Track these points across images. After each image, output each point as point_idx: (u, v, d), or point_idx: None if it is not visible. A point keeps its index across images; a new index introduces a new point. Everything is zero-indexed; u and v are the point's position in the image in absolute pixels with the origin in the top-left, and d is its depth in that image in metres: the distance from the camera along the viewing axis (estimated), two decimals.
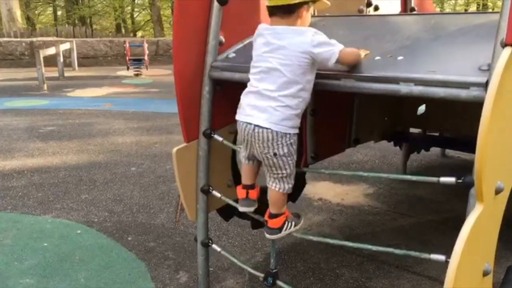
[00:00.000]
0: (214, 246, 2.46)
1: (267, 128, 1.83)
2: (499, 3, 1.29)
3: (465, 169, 1.55)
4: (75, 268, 2.78)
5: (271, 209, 2.00)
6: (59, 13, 30.09)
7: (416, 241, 3.14)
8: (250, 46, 2.50)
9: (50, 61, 11.56)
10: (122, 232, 3.28)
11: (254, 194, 2.10)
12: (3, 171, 4.60)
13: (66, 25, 23.58)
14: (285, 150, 1.86)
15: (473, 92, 1.57)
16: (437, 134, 4.14)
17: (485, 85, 1.52)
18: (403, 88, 1.73)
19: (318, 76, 1.94)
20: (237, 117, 1.96)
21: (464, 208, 1.53)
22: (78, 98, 8.99)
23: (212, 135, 2.36)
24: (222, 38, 2.37)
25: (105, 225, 3.40)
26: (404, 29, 2.25)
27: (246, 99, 1.94)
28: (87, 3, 28.11)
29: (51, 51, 11.39)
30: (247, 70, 2.24)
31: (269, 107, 1.83)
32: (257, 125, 1.84)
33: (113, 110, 7.77)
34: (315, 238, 2.31)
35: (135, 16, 30.42)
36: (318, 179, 4.31)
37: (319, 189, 4.11)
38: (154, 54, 14.98)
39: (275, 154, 1.86)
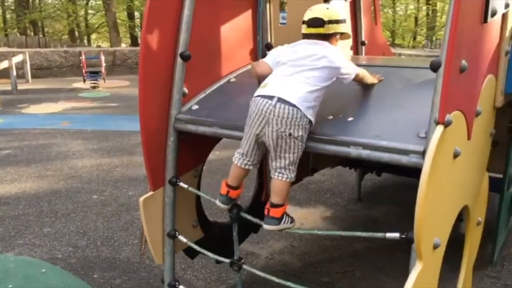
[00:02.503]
0: (181, 287, 2.58)
1: (290, 104, 1.94)
2: (447, 8, 1.46)
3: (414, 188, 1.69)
4: None
5: (274, 200, 2.05)
6: (8, 16, 28.98)
7: (370, 266, 3.37)
8: (212, 95, 2.65)
9: (1, 73, 11.21)
10: (87, 269, 3.32)
11: (235, 194, 2.20)
12: None
13: (18, 34, 22.77)
14: (300, 133, 1.97)
15: (413, 159, 1.78)
16: None
17: (423, 153, 1.73)
18: (353, 151, 1.92)
19: None
20: (257, 93, 2.06)
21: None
22: (33, 116, 8.79)
23: (178, 182, 2.48)
24: (185, 90, 2.50)
25: (70, 261, 3.43)
26: (352, 84, 2.43)
27: (273, 79, 2.08)
28: (39, 7, 27.28)
29: (4, 64, 11.04)
30: (210, 124, 2.39)
31: (297, 87, 2.00)
32: (281, 99, 1.95)
33: (71, 129, 7.66)
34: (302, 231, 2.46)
35: (89, 19, 29.71)
36: None
37: None
38: (111, 64, 14.76)
39: (290, 134, 1.96)
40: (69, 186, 5.02)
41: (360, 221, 4.16)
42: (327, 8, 2.19)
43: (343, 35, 2.24)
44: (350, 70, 2.13)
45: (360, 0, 4.00)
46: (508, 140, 3.02)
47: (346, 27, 2.25)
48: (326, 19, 2.14)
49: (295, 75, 2.04)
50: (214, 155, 5.72)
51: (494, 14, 1.87)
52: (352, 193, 4.82)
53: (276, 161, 2.03)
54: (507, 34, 2.19)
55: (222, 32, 2.73)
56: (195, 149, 2.65)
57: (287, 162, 2.01)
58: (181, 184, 2.47)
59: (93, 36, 32.06)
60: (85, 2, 28.55)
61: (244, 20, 2.89)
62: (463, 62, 1.68)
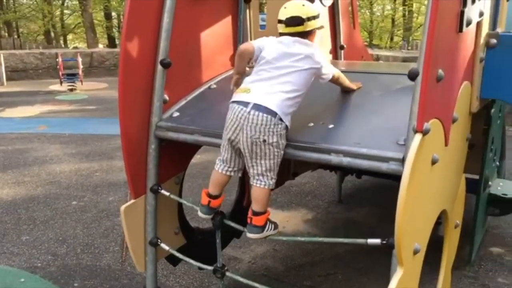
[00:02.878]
0: None
1: (265, 111, 1.94)
2: (423, 9, 1.50)
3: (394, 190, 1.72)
4: None
5: (255, 207, 2.05)
6: None
7: (352, 268, 3.40)
8: (193, 102, 2.65)
9: None
10: (67, 277, 3.27)
11: (216, 203, 2.19)
12: None
13: None
14: (275, 139, 1.97)
15: (392, 166, 1.81)
16: None
17: (402, 160, 1.76)
18: (334, 159, 1.95)
19: None
20: (234, 98, 2.05)
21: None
22: (9, 119, 8.60)
23: (159, 190, 2.47)
24: (166, 97, 2.49)
25: (49, 270, 3.37)
26: (332, 91, 2.46)
27: (251, 84, 2.06)
28: (13, 7, 26.71)
29: None
30: (192, 132, 2.38)
31: (276, 93, 1.99)
32: (257, 105, 1.95)
33: (48, 133, 7.53)
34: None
35: (65, 19, 29.22)
36: None
37: None
38: (88, 66, 14.55)
39: (264, 141, 1.96)
40: (48, 192, 4.93)
41: (341, 224, 4.20)
42: (303, 5, 2.15)
43: (319, 29, 2.24)
44: (329, 70, 2.16)
45: (338, 4, 4.05)
46: (484, 143, 3.11)
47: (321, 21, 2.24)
48: (304, 16, 2.11)
49: (274, 80, 2.03)
50: (195, 158, 5.63)
51: (469, 23, 1.92)
52: (333, 195, 4.86)
53: (253, 168, 2.03)
54: (481, 41, 2.25)
55: (202, 38, 2.73)
56: (176, 156, 2.64)
57: (263, 168, 2.01)
58: (163, 191, 2.46)
59: (70, 36, 31.56)
60: (60, 2, 28.09)
61: (224, 26, 2.90)
62: (440, 71, 1.73)
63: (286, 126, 2.00)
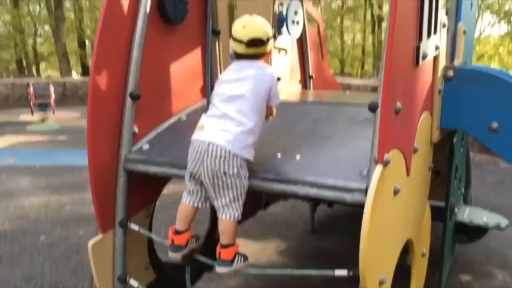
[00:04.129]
0: None
1: (221, 145, 1.94)
2: None
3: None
4: None
5: (223, 240, 2.03)
6: None
7: None
8: (163, 134, 2.66)
9: None
10: None
11: (181, 240, 2.12)
12: None
13: None
14: (235, 170, 1.96)
15: (356, 196, 1.85)
16: None
17: (365, 190, 1.80)
18: (300, 190, 1.98)
19: None
20: (194, 137, 2.06)
21: None
22: None
23: (129, 224, 2.44)
24: (135, 129, 2.49)
25: None
26: (300, 122, 2.52)
27: (207, 121, 2.06)
28: None
29: None
30: (161, 164, 2.38)
31: (229, 128, 1.98)
32: (212, 142, 1.95)
33: (18, 165, 7.36)
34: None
35: (38, 47, 28.97)
36: None
37: None
38: (61, 95, 14.41)
39: (225, 173, 1.95)
40: (15, 227, 4.79)
41: (314, 254, 4.21)
42: (263, 25, 2.10)
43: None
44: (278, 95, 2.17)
45: (306, 36, 4.18)
46: (448, 171, 3.19)
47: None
48: (265, 38, 2.09)
49: (227, 115, 2.02)
50: (168, 189, 5.59)
51: (425, 57, 2.02)
52: (306, 225, 4.88)
53: (217, 200, 2.02)
54: (439, 73, 2.35)
55: (173, 70, 2.77)
56: (146, 188, 2.63)
57: (227, 199, 2.00)
58: (132, 226, 2.44)
59: (43, 65, 31.24)
60: (33, 31, 27.91)
61: (194, 57, 2.95)
62: (398, 103, 1.80)
63: (246, 159, 2.01)
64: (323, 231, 4.74)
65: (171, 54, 2.76)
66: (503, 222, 3.43)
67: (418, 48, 1.96)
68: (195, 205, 2.12)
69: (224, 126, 2.00)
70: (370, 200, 1.67)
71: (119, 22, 2.35)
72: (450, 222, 3.32)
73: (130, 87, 2.42)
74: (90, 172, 2.32)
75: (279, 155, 2.18)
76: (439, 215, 3.12)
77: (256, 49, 2.09)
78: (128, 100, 2.42)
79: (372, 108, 1.76)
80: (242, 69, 2.10)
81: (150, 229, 2.71)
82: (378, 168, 1.71)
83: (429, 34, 2.10)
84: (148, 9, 2.45)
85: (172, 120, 2.75)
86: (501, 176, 6.82)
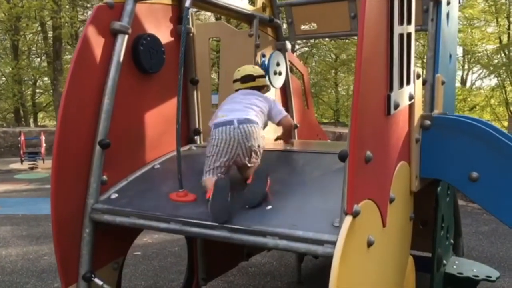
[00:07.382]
0: None
1: (251, 122, 2.30)
2: None
3: None
4: None
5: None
6: None
7: None
8: (134, 182, 2.57)
9: None
10: None
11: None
12: None
13: None
14: (262, 142, 2.35)
15: (327, 249, 1.75)
16: None
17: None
18: (270, 242, 1.88)
19: (194, 225, 2.04)
20: (215, 122, 2.35)
21: None
22: None
23: (93, 278, 2.31)
24: (105, 177, 2.41)
25: None
26: (276, 170, 2.44)
27: (225, 110, 2.45)
28: None
29: None
30: (128, 214, 2.28)
31: (246, 108, 2.42)
32: (244, 119, 2.29)
33: (0, 214, 7.17)
34: None
35: (36, 98, 29.24)
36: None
37: None
38: (52, 144, 14.35)
39: (259, 146, 2.30)
40: None
41: None
42: (253, 67, 2.79)
43: (266, 87, 2.84)
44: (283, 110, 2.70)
45: (290, 86, 4.19)
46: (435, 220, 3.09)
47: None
48: (255, 74, 2.70)
49: (242, 105, 2.45)
50: (152, 238, 5.49)
51: (397, 106, 1.98)
52: (293, 276, 4.69)
53: (249, 169, 2.27)
54: (416, 123, 2.31)
55: (147, 118, 2.72)
56: (114, 240, 2.51)
57: (256, 164, 2.30)
58: (96, 280, 2.30)
59: (40, 115, 31.43)
60: (32, 82, 28.27)
61: (170, 106, 2.90)
62: (368, 152, 1.73)
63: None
64: (311, 283, 4.54)
65: (146, 102, 2.73)
66: (494, 274, 3.30)
67: (389, 97, 1.92)
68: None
69: (244, 109, 2.43)
70: (339, 253, 1.58)
71: (91, 71, 2.33)
72: (438, 274, 3.18)
73: (100, 135, 2.36)
74: (53, 223, 2.24)
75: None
76: (428, 266, 2.99)
77: (249, 83, 2.66)
78: (97, 148, 2.35)
79: (342, 157, 1.70)
80: (250, 95, 2.59)
81: (119, 282, 2.57)
82: (348, 219, 1.63)
83: (401, 84, 2.07)
84: (121, 59, 2.43)
85: (145, 168, 2.67)
86: (495, 225, 6.67)
